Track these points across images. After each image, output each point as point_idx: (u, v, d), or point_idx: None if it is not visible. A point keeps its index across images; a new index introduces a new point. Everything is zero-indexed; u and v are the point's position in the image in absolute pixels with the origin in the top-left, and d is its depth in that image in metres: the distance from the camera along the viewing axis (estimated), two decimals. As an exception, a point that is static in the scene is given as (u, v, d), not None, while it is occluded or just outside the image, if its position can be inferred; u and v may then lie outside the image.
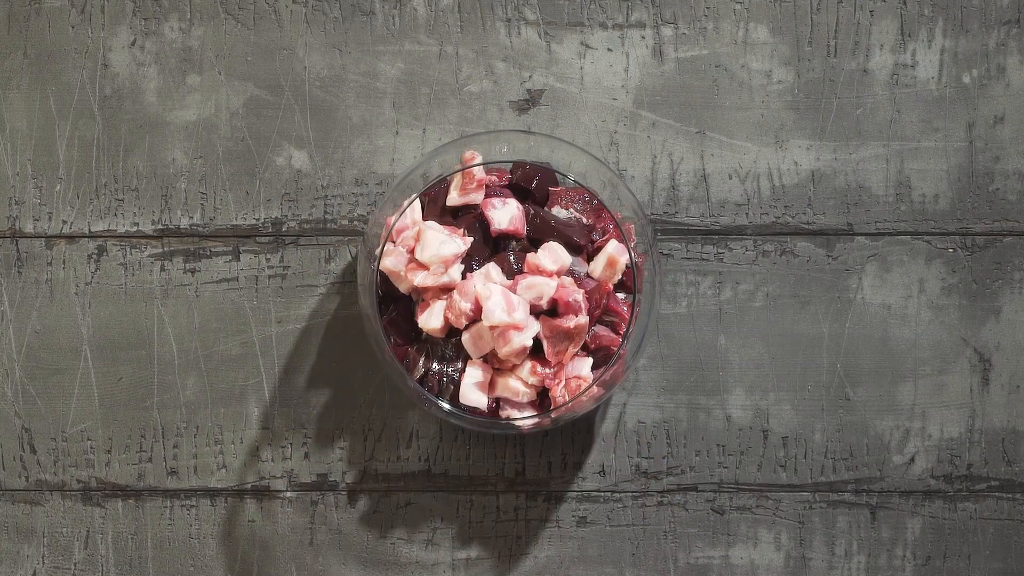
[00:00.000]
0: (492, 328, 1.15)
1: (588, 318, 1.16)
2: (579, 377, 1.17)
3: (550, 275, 1.16)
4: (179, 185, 1.32)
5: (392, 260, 1.18)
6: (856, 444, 1.31)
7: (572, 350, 1.17)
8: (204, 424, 1.31)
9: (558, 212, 1.21)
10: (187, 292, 1.31)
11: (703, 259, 1.31)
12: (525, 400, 1.18)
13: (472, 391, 1.17)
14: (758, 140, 1.31)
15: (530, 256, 1.17)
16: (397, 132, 1.31)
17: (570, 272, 1.18)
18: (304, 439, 1.32)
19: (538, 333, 1.16)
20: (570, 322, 1.15)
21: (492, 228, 1.19)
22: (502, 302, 1.14)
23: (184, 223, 1.32)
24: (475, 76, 1.31)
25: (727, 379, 1.31)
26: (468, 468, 1.32)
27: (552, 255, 1.17)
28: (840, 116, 1.31)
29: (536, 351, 1.18)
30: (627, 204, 1.21)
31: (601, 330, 1.19)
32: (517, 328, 1.15)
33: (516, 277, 1.17)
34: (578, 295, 1.15)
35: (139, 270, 1.31)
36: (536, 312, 1.17)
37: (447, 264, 1.16)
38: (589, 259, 1.20)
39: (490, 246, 1.20)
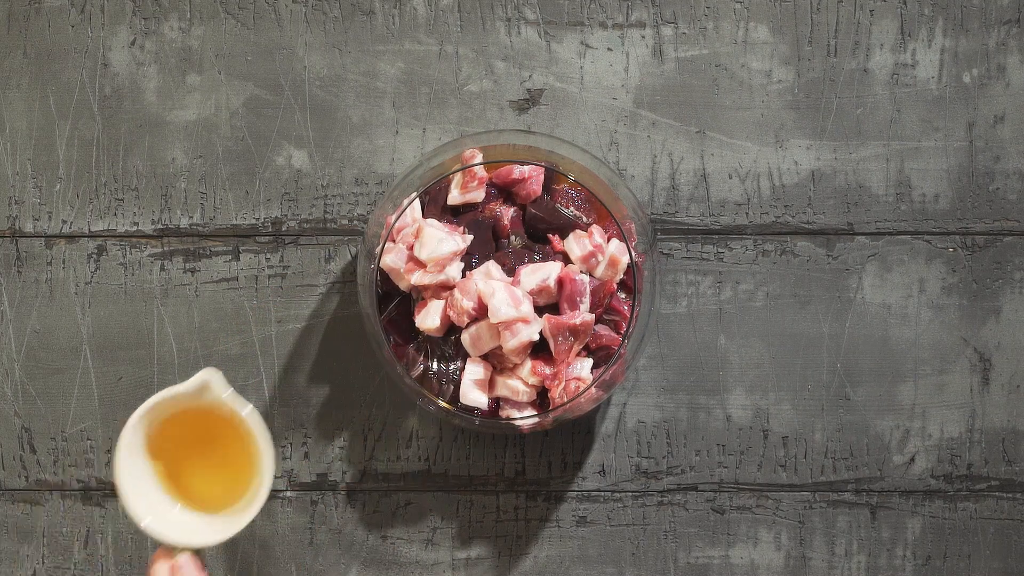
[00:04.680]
0: (499, 323, 1.15)
1: (593, 315, 1.16)
2: (579, 378, 1.16)
3: (574, 260, 1.17)
4: (179, 185, 1.32)
5: (392, 257, 1.18)
6: (856, 444, 1.31)
7: (577, 347, 1.17)
8: (204, 424, 1.31)
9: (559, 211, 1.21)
10: (187, 292, 1.31)
11: (703, 259, 1.31)
12: (525, 399, 1.18)
13: (472, 389, 1.17)
14: (758, 140, 1.31)
15: (556, 241, 1.18)
16: (397, 132, 1.31)
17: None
18: (304, 439, 1.32)
19: (543, 332, 1.16)
20: (576, 319, 1.15)
21: (502, 223, 1.19)
22: (507, 298, 1.14)
23: (184, 223, 1.32)
24: (475, 76, 1.31)
25: (727, 379, 1.31)
26: (468, 468, 1.32)
27: (580, 243, 1.17)
28: (840, 116, 1.31)
29: (536, 351, 1.18)
30: (627, 204, 1.21)
31: (602, 329, 1.19)
32: (525, 321, 1.15)
33: (518, 269, 1.17)
34: (583, 276, 1.16)
35: (139, 270, 1.31)
36: (540, 311, 1.17)
37: (446, 262, 1.16)
38: (589, 258, 1.20)
39: (491, 244, 1.20)
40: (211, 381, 1.11)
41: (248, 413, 1.11)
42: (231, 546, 1.31)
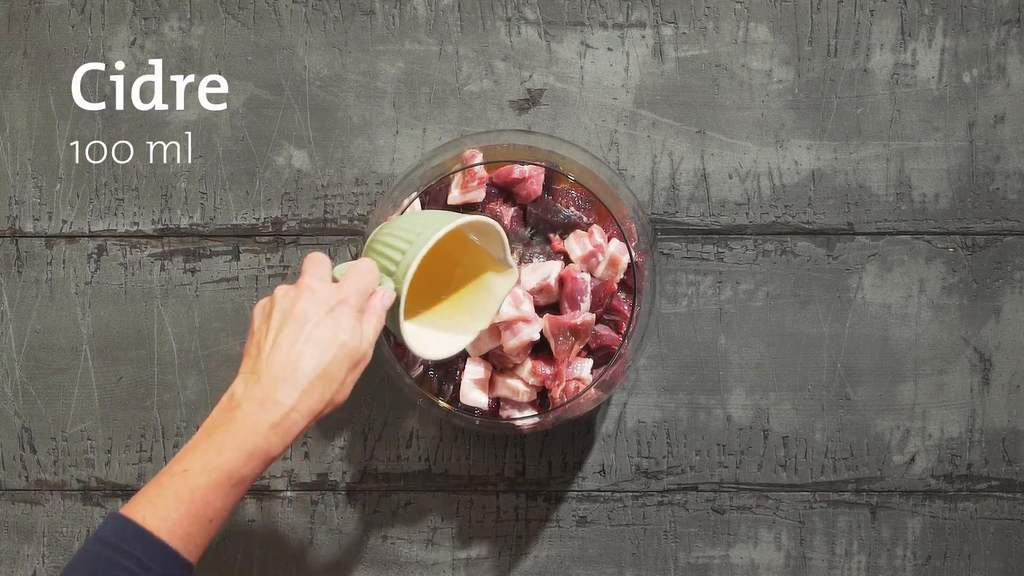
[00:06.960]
0: (499, 323, 1.15)
1: (593, 315, 1.16)
2: (579, 378, 1.16)
3: (574, 260, 1.17)
4: (179, 185, 1.32)
5: (392, 259, 1.18)
6: (856, 444, 1.31)
7: (578, 347, 1.17)
8: (204, 424, 1.31)
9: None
10: (187, 292, 1.31)
11: (703, 259, 1.31)
12: (525, 399, 1.18)
13: (472, 389, 1.17)
14: (758, 140, 1.31)
15: (556, 241, 1.18)
16: (397, 132, 1.31)
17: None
18: (304, 439, 1.31)
19: (544, 332, 1.16)
20: (577, 318, 1.15)
21: (502, 223, 1.19)
22: (508, 298, 1.14)
23: (184, 223, 1.32)
24: (475, 76, 1.31)
25: (727, 379, 1.31)
26: (468, 468, 1.32)
27: (580, 242, 1.17)
28: (840, 116, 1.31)
29: (536, 351, 1.18)
30: (627, 204, 1.21)
31: (602, 329, 1.19)
32: (525, 321, 1.15)
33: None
34: (584, 275, 1.15)
35: (139, 270, 1.31)
36: (541, 310, 1.17)
37: (447, 263, 1.16)
38: (589, 258, 1.20)
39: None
40: (504, 238, 1.09)
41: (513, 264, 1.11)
42: (231, 545, 1.31)
